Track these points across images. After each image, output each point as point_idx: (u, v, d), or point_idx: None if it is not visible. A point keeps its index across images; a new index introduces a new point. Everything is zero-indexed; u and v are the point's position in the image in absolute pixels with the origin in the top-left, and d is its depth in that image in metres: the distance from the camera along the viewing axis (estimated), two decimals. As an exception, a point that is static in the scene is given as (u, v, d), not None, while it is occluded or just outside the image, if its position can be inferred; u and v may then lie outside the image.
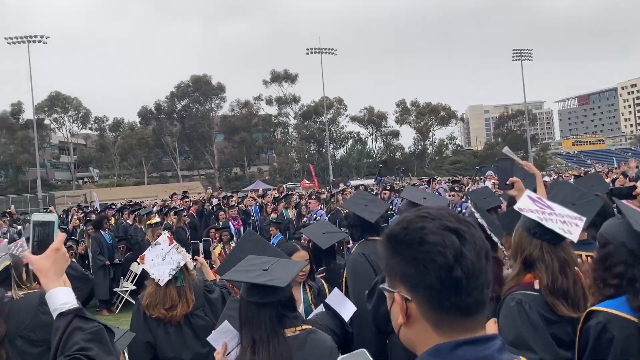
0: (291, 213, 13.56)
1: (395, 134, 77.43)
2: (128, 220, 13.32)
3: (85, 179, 72.56)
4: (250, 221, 14.73)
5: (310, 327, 2.50)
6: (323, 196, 16.22)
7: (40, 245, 1.91)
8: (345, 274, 4.37)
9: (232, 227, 12.99)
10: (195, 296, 3.94)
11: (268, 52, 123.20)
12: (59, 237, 1.94)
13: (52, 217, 1.98)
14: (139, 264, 11.15)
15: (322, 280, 4.39)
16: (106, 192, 51.52)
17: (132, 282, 11.19)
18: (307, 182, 47.67)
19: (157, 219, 11.47)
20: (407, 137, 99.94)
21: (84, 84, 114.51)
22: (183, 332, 3.89)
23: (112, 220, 13.74)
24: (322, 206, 14.48)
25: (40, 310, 3.60)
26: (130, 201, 21.16)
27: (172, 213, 13.44)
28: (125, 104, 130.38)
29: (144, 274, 10.62)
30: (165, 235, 4.09)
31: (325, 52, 65.96)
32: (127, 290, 11.02)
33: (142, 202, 22.03)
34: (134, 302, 10.57)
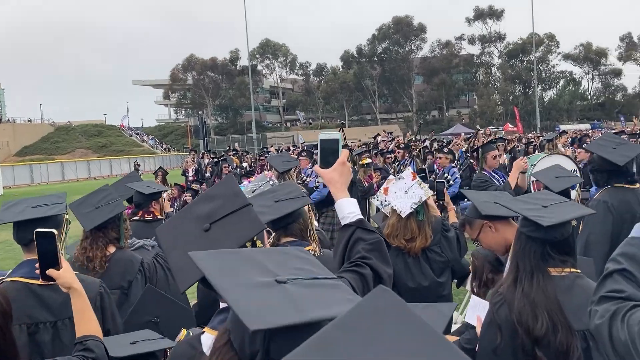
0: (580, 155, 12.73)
1: (617, 73, 68.79)
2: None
3: (293, 122, 78.03)
4: (455, 164, 14.43)
5: (579, 271, 2.40)
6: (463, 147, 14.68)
7: (328, 160, 2.05)
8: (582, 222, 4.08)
9: (437, 170, 12.89)
10: (433, 232, 4.01)
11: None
12: (344, 152, 2.07)
13: (336, 135, 2.11)
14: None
15: None
16: (311, 134, 54.82)
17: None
18: (511, 125, 45.18)
19: (368, 160, 11.82)
20: (631, 77, 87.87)
21: (291, 30, 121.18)
22: (421, 264, 4.01)
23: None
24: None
25: None
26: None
27: (379, 154, 13.72)
28: (328, 48, 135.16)
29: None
30: (409, 170, 4.24)
31: (537, -16, 60.36)
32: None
33: (347, 143, 22.91)
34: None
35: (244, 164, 17.41)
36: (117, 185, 5.47)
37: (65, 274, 2.22)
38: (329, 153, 2.06)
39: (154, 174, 14.44)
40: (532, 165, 7.64)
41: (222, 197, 1.74)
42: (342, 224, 2.04)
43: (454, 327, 3.48)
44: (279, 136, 58.68)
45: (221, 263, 1.11)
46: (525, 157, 7.09)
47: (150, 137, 72.38)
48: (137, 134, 73.04)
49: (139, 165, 30.87)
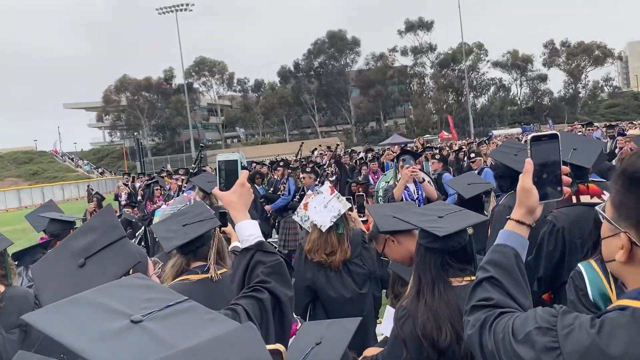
0: (432, 165, 13.12)
1: (543, 78, 72.05)
2: (276, 176, 13.85)
3: (233, 138, 77.31)
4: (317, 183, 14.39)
5: None
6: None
7: (227, 182, 2.04)
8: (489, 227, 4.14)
9: (372, 180, 13.00)
10: (353, 245, 4.09)
11: (403, 0, 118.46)
12: (243, 173, 2.05)
13: (235, 156, 2.09)
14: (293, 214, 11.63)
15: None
16: (252, 150, 54.58)
17: (282, 232, 11.68)
18: (446, 133, 46.49)
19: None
20: (556, 81, 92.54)
21: (227, 47, 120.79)
22: (342, 277, 4.06)
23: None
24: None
25: None
26: (277, 158, 21.97)
27: (315, 167, 13.72)
28: (265, 63, 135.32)
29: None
30: (327, 184, 4.32)
31: (463, -5, 62.57)
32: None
33: (286, 158, 22.81)
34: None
35: (179, 184, 16.98)
36: (32, 216, 5.38)
37: None
38: (228, 174, 2.05)
39: (89, 199, 13.91)
40: (386, 182, 7.69)
41: (98, 230, 1.67)
42: (242, 247, 2.01)
43: (380, 338, 3.48)
44: (220, 153, 57.85)
45: (65, 318, 0.99)
46: (412, 166, 7.03)
47: (85, 161, 69.97)
48: (71, 159, 70.44)
49: (92, 189, 29.79)
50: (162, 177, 17.24)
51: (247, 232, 2.01)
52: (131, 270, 1.64)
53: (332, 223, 4.03)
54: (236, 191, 2.02)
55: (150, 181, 13.51)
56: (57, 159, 68.97)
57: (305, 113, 73.92)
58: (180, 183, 10.18)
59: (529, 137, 1.69)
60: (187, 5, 62.02)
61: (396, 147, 20.28)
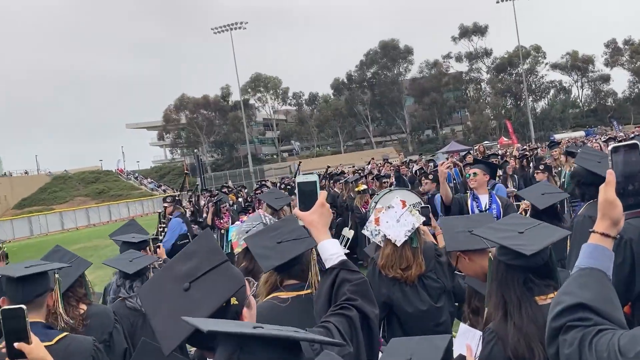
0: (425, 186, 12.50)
1: (605, 79, 69.20)
2: (335, 189, 13.87)
3: (288, 152, 78.24)
4: (452, 184, 14.03)
5: None
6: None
7: (307, 202, 2.10)
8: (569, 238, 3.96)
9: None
10: (426, 258, 4.03)
11: (455, 6, 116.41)
12: (322, 194, 2.11)
13: (313, 177, 2.17)
14: (350, 229, 11.62)
15: None
16: (307, 163, 54.91)
17: (344, 245, 11.70)
18: (505, 139, 45.40)
19: (364, 186, 11.75)
20: (619, 81, 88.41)
21: (281, 61, 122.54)
22: (418, 292, 4.01)
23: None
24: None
25: None
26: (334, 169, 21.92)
27: (375, 179, 13.67)
28: (319, 76, 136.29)
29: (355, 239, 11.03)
30: (398, 198, 4.24)
31: (518, -2, 61.18)
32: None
33: (343, 170, 22.81)
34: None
35: (240, 199, 17.34)
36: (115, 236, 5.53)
37: (38, 350, 2.16)
38: (307, 195, 2.11)
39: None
40: (374, 202, 7.49)
41: (199, 254, 1.73)
42: (327, 267, 2.05)
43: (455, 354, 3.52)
44: (276, 167, 58.75)
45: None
46: (447, 162, 6.82)
47: (149, 179, 72.42)
48: (136, 177, 73.09)
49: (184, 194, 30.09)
50: (225, 194, 17.63)
51: (330, 251, 2.05)
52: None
53: (407, 237, 3.97)
54: (316, 211, 2.07)
55: (216, 199, 13.69)
56: (121, 178, 71.69)
57: (360, 124, 73.95)
58: (160, 211, 10.08)
59: (610, 148, 1.69)
60: (241, 23, 63.55)
61: (457, 154, 19.84)
